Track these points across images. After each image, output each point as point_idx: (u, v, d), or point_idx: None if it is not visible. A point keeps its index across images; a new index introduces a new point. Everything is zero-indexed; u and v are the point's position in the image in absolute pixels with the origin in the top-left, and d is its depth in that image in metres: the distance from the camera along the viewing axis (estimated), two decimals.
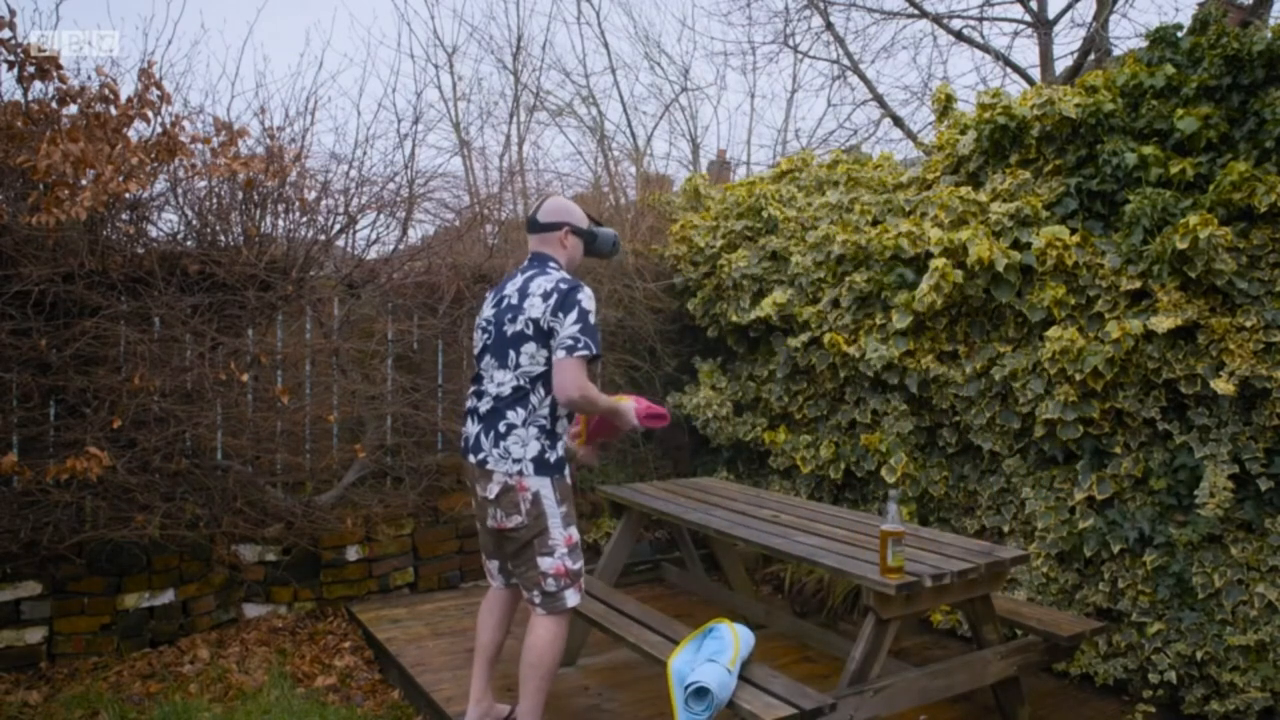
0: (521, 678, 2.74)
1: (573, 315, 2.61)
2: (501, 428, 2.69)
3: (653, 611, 3.16)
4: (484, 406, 2.75)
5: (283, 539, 4.26)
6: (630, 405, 2.82)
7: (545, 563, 2.70)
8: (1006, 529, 3.83)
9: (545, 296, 2.66)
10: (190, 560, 4.03)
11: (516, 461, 2.67)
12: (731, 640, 2.66)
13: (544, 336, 2.66)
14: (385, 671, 3.80)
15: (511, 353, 2.70)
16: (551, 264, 2.81)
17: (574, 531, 2.76)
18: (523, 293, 2.73)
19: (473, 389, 2.84)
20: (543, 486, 2.68)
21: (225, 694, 3.50)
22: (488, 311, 2.85)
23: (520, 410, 2.68)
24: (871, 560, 2.76)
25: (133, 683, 3.58)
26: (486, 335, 2.82)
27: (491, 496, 2.73)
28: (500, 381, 2.72)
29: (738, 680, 2.58)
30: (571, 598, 2.74)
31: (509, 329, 2.72)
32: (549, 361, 2.66)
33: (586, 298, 2.67)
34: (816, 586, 4.38)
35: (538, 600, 2.73)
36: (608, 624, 3.09)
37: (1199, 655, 3.17)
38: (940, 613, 4.14)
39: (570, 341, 2.59)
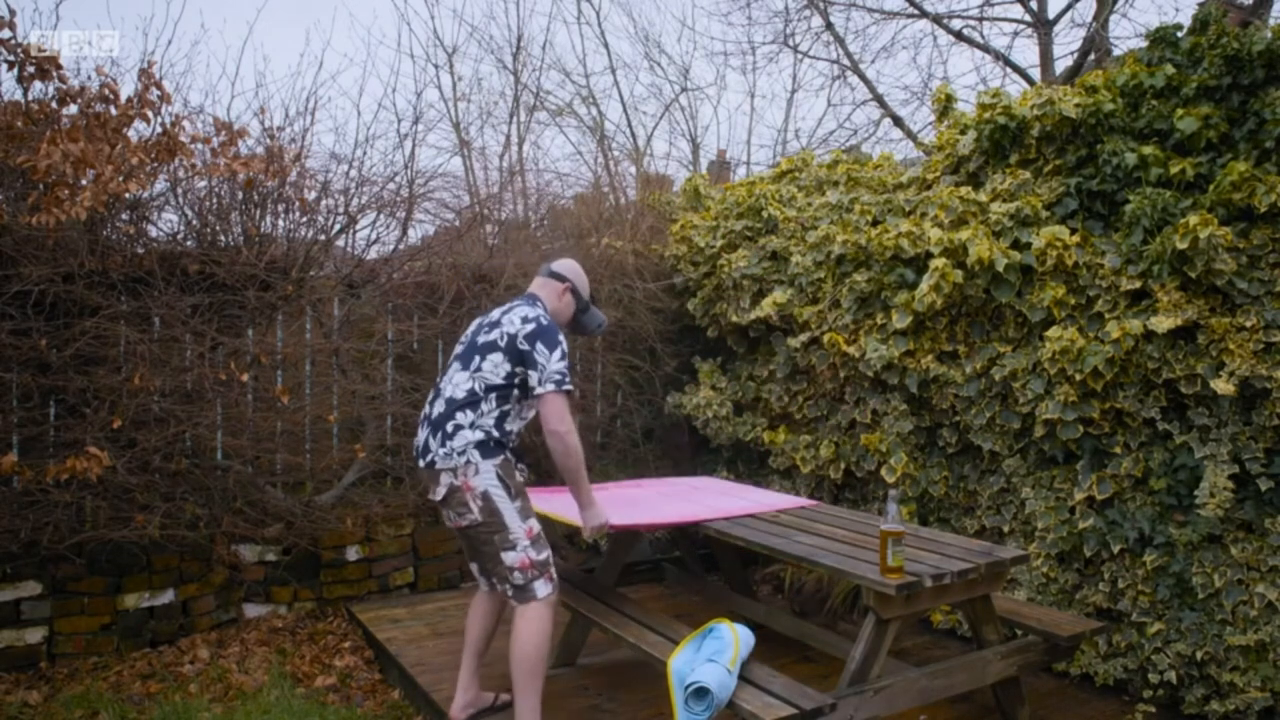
0: (513, 677, 2.80)
1: (557, 353, 2.76)
2: (449, 428, 2.78)
3: (653, 611, 3.16)
4: (435, 410, 2.86)
5: (283, 539, 4.26)
6: (600, 513, 2.90)
7: (509, 557, 2.77)
8: (1006, 529, 3.83)
9: (525, 321, 2.82)
10: (190, 560, 4.03)
11: (460, 454, 2.75)
12: (731, 640, 2.66)
13: (513, 354, 2.79)
14: (385, 671, 3.80)
15: (476, 358, 2.84)
16: (540, 304, 2.97)
17: (534, 523, 2.82)
18: (505, 312, 2.91)
19: (430, 397, 2.96)
20: (490, 484, 2.75)
21: (225, 694, 3.50)
22: (469, 329, 3.02)
23: (470, 413, 2.78)
24: (871, 560, 2.76)
25: (133, 683, 3.58)
26: (460, 346, 2.97)
27: (439, 499, 2.83)
28: (456, 383, 2.84)
29: (738, 680, 2.58)
30: (541, 588, 2.80)
31: (481, 338, 2.88)
32: (509, 378, 2.80)
33: (564, 339, 2.84)
34: (816, 586, 4.38)
35: (510, 594, 2.82)
36: (608, 624, 3.09)
37: (1199, 655, 3.17)
38: (940, 613, 4.14)
39: (558, 377, 2.74)
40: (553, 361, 2.75)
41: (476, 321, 3.02)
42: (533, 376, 2.75)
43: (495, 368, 2.80)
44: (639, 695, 3.36)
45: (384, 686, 3.66)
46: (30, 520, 3.55)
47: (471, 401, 2.79)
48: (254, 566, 4.28)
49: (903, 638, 4.02)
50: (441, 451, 2.77)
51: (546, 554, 2.84)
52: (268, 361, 4.23)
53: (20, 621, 3.68)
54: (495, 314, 2.94)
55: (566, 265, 3.12)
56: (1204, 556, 3.20)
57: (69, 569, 3.75)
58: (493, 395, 2.80)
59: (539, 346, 2.76)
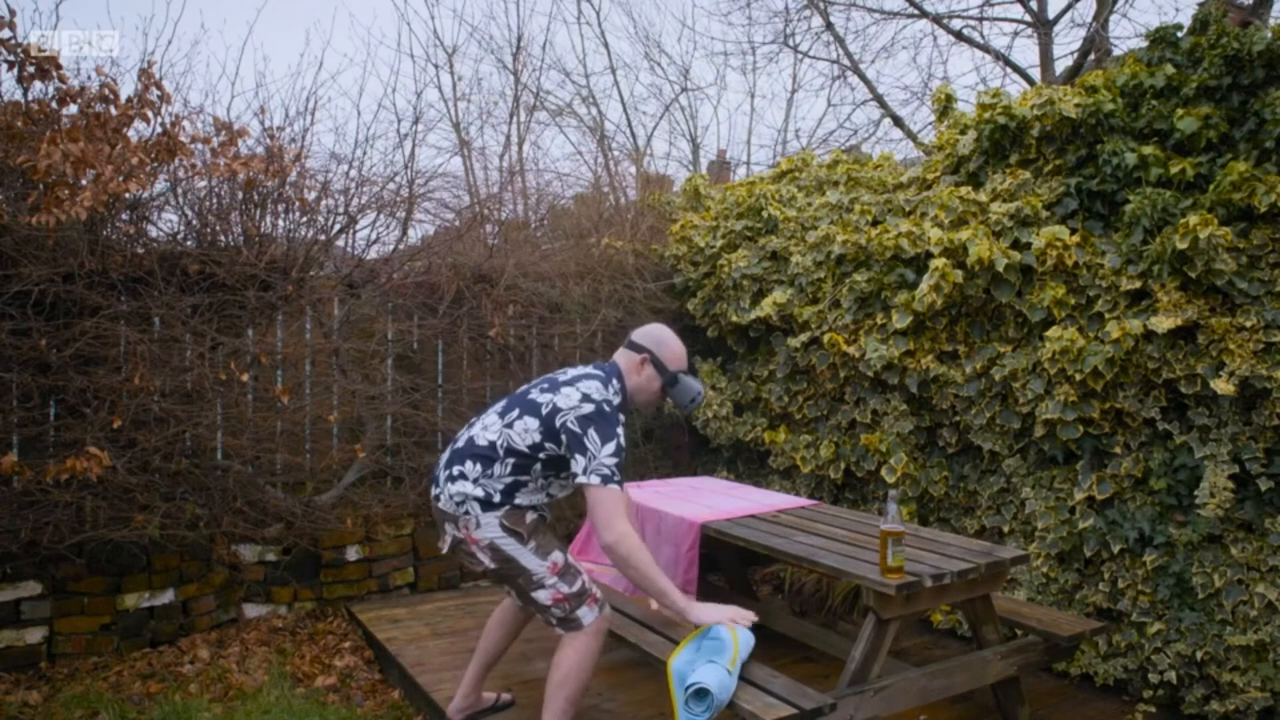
0: (546, 697, 2.62)
1: (611, 445, 2.50)
2: (456, 470, 2.60)
3: (652, 611, 3.16)
4: (460, 440, 2.69)
5: (283, 539, 4.26)
6: (708, 613, 2.61)
7: (541, 595, 2.61)
8: (1006, 529, 3.83)
9: (585, 399, 2.55)
10: (190, 560, 4.03)
11: (460, 504, 2.58)
12: (731, 641, 2.65)
13: (549, 430, 2.56)
14: (385, 671, 3.80)
15: (516, 410, 2.62)
16: (615, 380, 2.68)
17: (558, 556, 2.62)
18: (573, 380, 2.63)
19: (471, 419, 2.81)
20: (494, 535, 2.57)
21: (225, 694, 3.50)
22: (540, 377, 2.81)
23: (479, 467, 2.58)
24: (871, 560, 2.76)
25: (133, 683, 3.58)
26: (521, 388, 2.77)
27: (444, 550, 2.69)
28: (487, 425, 2.65)
29: (738, 680, 2.58)
30: (586, 615, 2.63)
31: (533, 394, 2.65)
32: (533, 450, 2.57)
33: (623, 434, 2.57)
34: (816, 586, 4.38)
35: (555, 625, 2.68)
36: (608, 624, 3.08)
37: (1199, 655, 3.17)
38: (940, 613, 4.14)
39: (605, 470, 2.47)
40: (603, 453, 2.47)
41: (551, 375, 2.75)
42: (578, 463, 2.48)
43: (525, 433, 2.56)
44: (639, 695, 3.36)
45: (384, 686, 3.66)
46: (30, 520, 3.55)
47: (487, 456, 2.58)
48: (254, 566, 4.28)
49: (903, 638, 4.02)
50: (446, 492, 2.60)
51: (580, 581, 2.64)
52: (268, 361, 4.23)
53: (20, 621, 3.68)
54: (567, 374, 2.68)
55: (647, 333, 2.79)
56: (1204, 556, 3.20)
57: (69, 569, 3.74)
58: (510, 460, 2.57)
59: (591, 434, 2.49)
